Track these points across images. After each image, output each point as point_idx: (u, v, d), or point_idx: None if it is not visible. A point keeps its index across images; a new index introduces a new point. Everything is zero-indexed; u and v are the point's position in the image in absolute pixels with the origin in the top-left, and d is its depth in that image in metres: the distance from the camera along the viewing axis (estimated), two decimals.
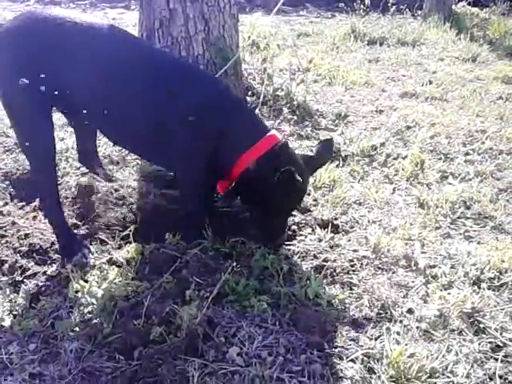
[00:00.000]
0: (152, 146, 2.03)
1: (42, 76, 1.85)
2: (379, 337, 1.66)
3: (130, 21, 6.50)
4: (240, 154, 1.96)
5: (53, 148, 1.99)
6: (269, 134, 2.01)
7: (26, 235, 2.09)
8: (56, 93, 1.89)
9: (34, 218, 2.28)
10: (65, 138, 2.97)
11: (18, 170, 2.63)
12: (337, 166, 2.85)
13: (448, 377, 1.53)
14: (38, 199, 2.39)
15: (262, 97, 3.45)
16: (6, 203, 2.37)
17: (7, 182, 2.54)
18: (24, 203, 2.39)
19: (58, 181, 2.07)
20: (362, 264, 2.02)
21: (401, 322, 1.74)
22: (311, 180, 2.63)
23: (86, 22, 1.93)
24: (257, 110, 3.37)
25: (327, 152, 2.15)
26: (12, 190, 2.51)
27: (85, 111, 1.98)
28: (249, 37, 3.87)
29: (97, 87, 1.92)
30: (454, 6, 7.03)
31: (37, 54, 1.86)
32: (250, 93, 3.61)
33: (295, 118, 3.42)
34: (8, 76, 1.88)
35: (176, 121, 1.94)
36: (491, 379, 1.54)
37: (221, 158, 1.99)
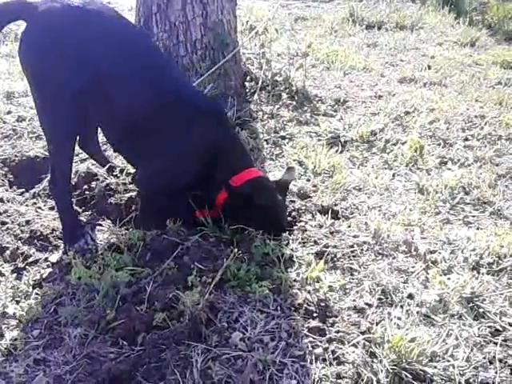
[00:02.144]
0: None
1: (76, 61, 1.88)
2: (380, 322, 1.68)
3: (125, 5, 6.41)
4: (223, 186, 2.05)
5: (76, 134, 2.04)
6: (249, 169, 2.12)
7: (27, 222, 2.10)
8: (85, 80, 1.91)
9: (34, 204, 2.29)
10: None
11: (16, 156, 2.61)
12: (336, 151, 2.85)
13: (448, 360, 1.55)
14: (37, 185, 2.40)
15: (260, 82, 3.43)
16: (6, 190, 2.37)
17: (6, 169, 2.53)
18: (23, 190, 2.39)
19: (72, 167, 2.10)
20: (362, 250, 2.03)
21: (401, 306, 1.76)
22: (310, 167, 2.65)
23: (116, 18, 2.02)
24: (255, 96, 3.35)
25: (291, 176, 2.32)
26: (11, 176, 2.50)
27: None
28: (247, 21, 3.83)
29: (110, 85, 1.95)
30: None
31: (74, 40, 1.89)
32: (248, 78, 3.59)
33: (294, 103, 3.41)
34: (44, 58, 1.89)
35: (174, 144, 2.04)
36: (491, 363, 1.56)
37: (208, 186, 2.08)
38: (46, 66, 1.89)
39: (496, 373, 1.53)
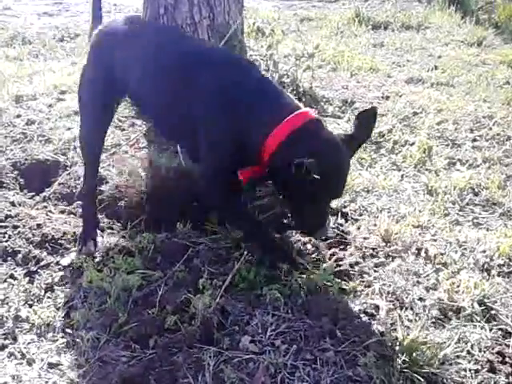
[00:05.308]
0: (182, 132, 2.03)
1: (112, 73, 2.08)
2: (391, 324, 1.68)
3: (131, 6, 6.43)
4: (266, 135, 1.76)
5: (101, 138, 2.21)
6: (300, 110, 1.81)
7: (38, 225, 2.11)
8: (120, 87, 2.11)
9: (45, 207, 2.30)
10: (72, 127, 2.96)
11: (26, 159, 2.63)
12: None
13: (460, 363, 1.55)
14: (47, 189, 2.41)
15: None
16: (17, 193, 2.38)
17: (16, 172, 2.54)
18: (34, 193, 2.40)
19: (98, 167, 2.26)
20: (372, 252, 2.03)
21: (412, 309, 1.76)
22: None
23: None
24: None
25: (367, 126, 1.84)
26: (21, 180, 2.51)
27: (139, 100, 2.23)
28: (253, 23, 3.83)
29: (148, 79, 2.06)
30: None
31: (109, 59, 2.09)
32: None
33: (302, 104, 3.40)
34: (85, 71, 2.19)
35: (201, 105, 1.88)
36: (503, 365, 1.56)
37: (246, 140, 1.81)
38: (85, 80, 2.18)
39: (508, 375, 1.53)
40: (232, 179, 1.86)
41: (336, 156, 1.78)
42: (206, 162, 1.94)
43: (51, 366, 1.56)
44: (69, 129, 2.94)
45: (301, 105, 1.90)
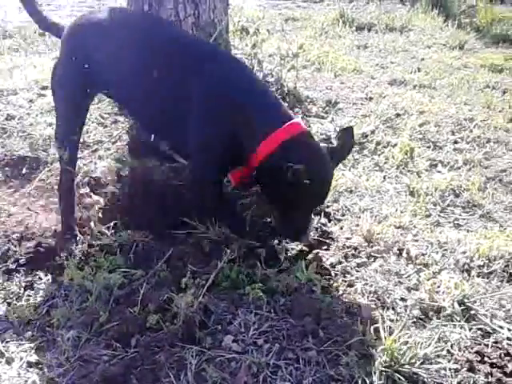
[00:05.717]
0: (172, 130, 2.03)
1: (85, 65, 2.05)
2: (373, 324, 1.69)
3: (114, 2, 6.37)
4: (261, 140, 1.86)
5: (76, 133, 2.15)
6: (293, 121, 1.91)
7: (18, 222, 2.08)
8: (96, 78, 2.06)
9: (25, 204, 2.26)
10: (53, 123, 2.91)
11: (6, 155, 2.59)
12: None
13: (440, 362, 1.57)
14: (27, 185, 2.38)
15: None
16: None
17: None
18: (14, 189, 2.36)
19: (75, 164, 2.19)
20: (354, 252, 2.05)
21: (393, 309, 1.77)
22: None
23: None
24: None
25: (349, 141, 1.98)
26: (0, 176, 2.47)
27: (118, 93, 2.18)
28: (238, 21, 3.82)
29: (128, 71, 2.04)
30: None
31: (83, 50, 2.07)
32: None
33: (286, 104, 3.40)
34: (58, 65, 2.17)
35: (195, 105, 1.91)
36: (482, 364, 1.58)
37: (241, 142, 1.90)
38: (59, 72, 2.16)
39: (487, 375, 1.55)
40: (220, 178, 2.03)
41: (323, 167, 1.92)
42: (199, 161, 2.00)
43: (31, 364, 1.54)
44: (50, 124, 2.89)
45: (293, 114, 2.02)
